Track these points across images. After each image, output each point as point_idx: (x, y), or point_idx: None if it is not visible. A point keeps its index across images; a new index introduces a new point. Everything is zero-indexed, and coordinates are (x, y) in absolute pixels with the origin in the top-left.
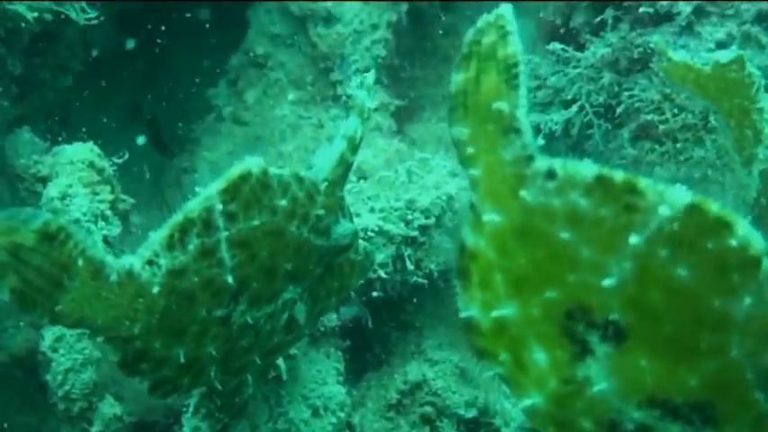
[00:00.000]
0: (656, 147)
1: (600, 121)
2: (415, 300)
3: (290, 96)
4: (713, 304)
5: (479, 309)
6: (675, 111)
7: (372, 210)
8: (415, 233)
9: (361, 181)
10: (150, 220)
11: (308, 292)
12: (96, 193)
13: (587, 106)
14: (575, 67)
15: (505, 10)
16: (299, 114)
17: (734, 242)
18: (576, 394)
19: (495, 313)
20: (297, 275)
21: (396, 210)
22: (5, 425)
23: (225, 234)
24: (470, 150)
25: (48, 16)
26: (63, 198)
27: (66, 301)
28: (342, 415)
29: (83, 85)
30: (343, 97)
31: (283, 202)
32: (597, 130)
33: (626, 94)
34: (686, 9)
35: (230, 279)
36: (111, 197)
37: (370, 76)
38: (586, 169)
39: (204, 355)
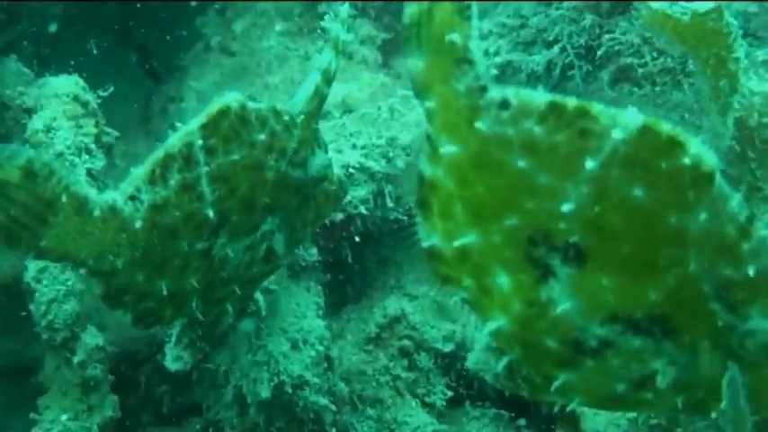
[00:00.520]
0: (635, 89)
1: (581, 62)
2: (394, 236)
3: (278, 27)
4: (670, 221)
5: (441, 237)
6: (655, 54)
7: (354, 146)
8: (396, 171)
9: (345, 116)
10: (136, 148)
11: (286, 222)
12: (80, 126)
13: (569, 47)
14: (557, 9)
15: None
16: (285, 46)
17: (687, 160)
18: (540, 315)
19: (456, 242)
20: (275, 207)
21: (377, 147)
22: None
23: (205, 169)
24: (425, 82)
25: None
26: (47, 131)
27: (51, 236)
28: (321, 348)
29: (72, 9)
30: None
31: (262, 137)
32: (578, 72)
33: (607, 36)
34: None
35: (211, 213)
36: (95, 130)
37: (345, 9)
38: (539, 97)
39: (186, 287)
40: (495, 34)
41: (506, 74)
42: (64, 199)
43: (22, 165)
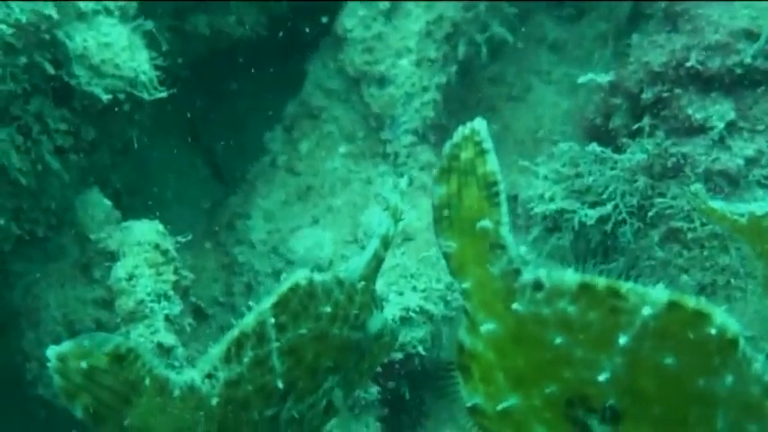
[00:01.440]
0: (684, 252)
1: (632, 220)
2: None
3: (342, 149)
4: (698, 384)
5: (483, 399)
6: (704, 221)
7: (415, 289)
8: (454, 313)
9: (404, 252)
10: (204, 262)
11: (344, 378)
12: (160, 274)
13: (621, 206)
14: (612, 168)
15: (480, 125)
16: (349, 168)
17: (712, 330)
18: None
19: (499, 406)
20: (337, 368)
21: (436, 290)
22: None
23: (276, 345)
24: (459, 263)
25: (121, 96)
26: (130, 279)
27: (134, 415)
28: None
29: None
30: (391, 156)
31: (327, 309)
32: (629, 228)
33: (658, 199)
34: (719, 124)
35: (280, 383)
36: (173, 277)
37: (404, 182)
38: (570, 278)
39: None
40: (551, 180)
41: (559, 222)
42: (147, 381)
43: (110, 351)
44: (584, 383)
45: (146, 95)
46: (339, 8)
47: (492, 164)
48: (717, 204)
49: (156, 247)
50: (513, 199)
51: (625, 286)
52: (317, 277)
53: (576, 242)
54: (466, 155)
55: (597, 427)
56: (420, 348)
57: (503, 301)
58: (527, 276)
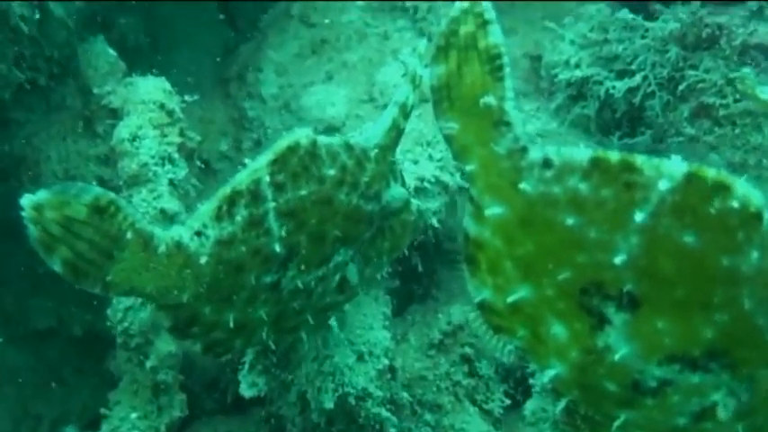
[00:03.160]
0: (715, 128)
1: (661, 92)
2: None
3: (360, 2)
4: (722, 263)
5: (492, 292)
6: (737, 96)
7: (431, 158)
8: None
9: (420, 118)
10: (213, 114)
11: (360, 253)
12: (165, 135)
13: (651, 77)
14: (642, 37)
15: None
16: (365, 21)
17: (735, 203)
18: (598, 362)
19: (509, 298)
20: (347, 240)
21: (452, 160)
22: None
23: (272, 205)
24: (462, 145)
25: None
26: (133, 140)
27: (116, 271)
28: (385, 361)
29: None
30: (410, 10)
31: (332, 171)
32: (658, 101)
33: (690, 72)
34: None
35: (278, 247)
36: (178, 139)
37: (423, 45)
38: (581, 154)
39: (255, 318)
40: (577, 44)
41: (584, 90)
42: (129, 235)
43: (89, 202)
44: (598, 268)
45: None
46: None
47: (495, 35)
48: (765, 93)
49: (162, 106)
50: (536, 59)
51: (640, 159)
52: (323, 139)
53: (600, 112)
54: (466, 29)
55: (614, 315)
56: (434, 220)
57: (509, 182)
58: (535, 154)
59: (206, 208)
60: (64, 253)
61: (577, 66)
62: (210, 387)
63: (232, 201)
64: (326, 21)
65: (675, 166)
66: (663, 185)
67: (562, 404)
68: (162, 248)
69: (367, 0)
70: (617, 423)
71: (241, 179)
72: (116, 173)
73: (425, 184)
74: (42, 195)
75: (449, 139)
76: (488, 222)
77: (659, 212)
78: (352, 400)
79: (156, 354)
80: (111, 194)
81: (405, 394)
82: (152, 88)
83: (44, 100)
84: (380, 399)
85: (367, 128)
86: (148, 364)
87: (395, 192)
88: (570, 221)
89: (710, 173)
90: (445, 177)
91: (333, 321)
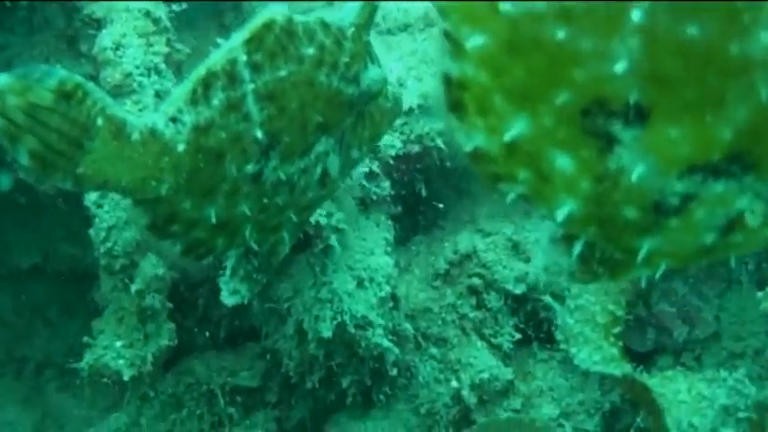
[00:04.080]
0: None
1: None
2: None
3: None
4: (730, 51)
5: (484, 135)
6: None
7: (435, 74)
8: None
9: (426, 41)
10: (207, 45)
11: (341, 142)
12: (151, 45)
13: None
14: None
15: None
16: None
17: None
18: (613, 188)
19: (506, 135)
20: (328, 127)
21: None
22: (49, 252)
23: (251, 86)
24: None
25: None
26: (116, 48)
27: (88, 162)
28: (387, 288)
29: None
30: None
31: (310, 50)
32: None
33: None
34: None
35: (259, 133)
36: (165, 49)
37: None
38: None
39: (237, 214)
40: None
41: None
42: (100, 122)
43: (54, 86)
44: (599, 82)
45: None
46: None
47: None
48: None
49: (147, 14)
50: None
51: None
52: (299, 17)
53: None
54: None
55: (623, 132)
56: (439, 141)
57: (488, 6)
58: None
59: (180, 91)
60: (30, 143)
61: None
62: (203, 321)
63: (207, 83)
64: None
65: None
66: None
67: (578, 248)
68: (135, 136)
69: None
70: (641, 254)
71: (216, 60)
72: (99, 84)
73: (430, 102)
74: (3, 79)
75: None
76: (470, 57)
77: (657, 7)
78: (351, 329)
79: (142, 276)
80: (78, 78)
81: (408, 326)
82: None
83: (26, 21)
84: (382, 328)
85: (339, 7)
86: (134, 287)
87: (373, 73)
88: (561, 35)
89: None
90: None
91: (334, 241)
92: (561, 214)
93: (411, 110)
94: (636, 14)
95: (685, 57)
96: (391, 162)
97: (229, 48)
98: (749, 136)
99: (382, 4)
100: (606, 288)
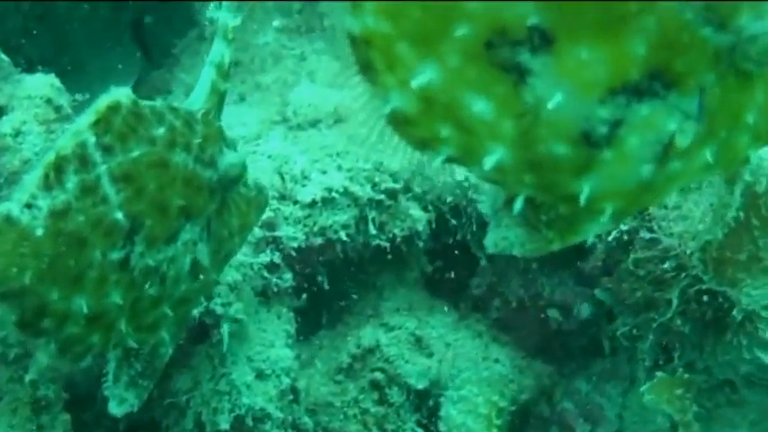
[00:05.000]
0: None
1: None
2: (376, 262)
3: (276, 23)
4: None
5: (398, 92)
6: None
7: (340, 168)
8: (382, 196)
9: (334, 129)
10: None
11: (208, 231)
12: (51, 132)
13: None
14: None
15: None
16: (282, 43)
17: None
18: (535, 122)
19: (414, 83)
20: (191, 212)
21: (363, 171)
22: None
23: (104, 168)
24: None
25: None
26: (16, 135)
27: None
28: (287, 380)
29: None
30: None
31: (161, 131)
32: None
33: None
34: None
35: (119, 215)
36: None
37: None
38: None
39: (109, 304)
40: None
41: None
42: None
43: None
44: (493, 10)
45: None
46: None
47: None
48: None
49: (49, 101)
50: None
51: None
52: (146, 101)
53: None
54: None
55: (531, 61)
56: (342, 234)
57: None
58: None
59: (31, 177)
60: None
61: None
62: (101, 414)
63: (59, 167)
64: (241, 43)
65: None
66: None
67: (519, 204)
68: None
69: (284, 21)
70: (583, 195)
71: (64, 143)
72: None
73: (334, 195)
74: None
75: None
76: (366, 7)
77: None
78: (249, 422)
79: (35, 366)
80: None
81: (308, 419)
82: (39, 83)
83: None
84: (281, 421)
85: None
86: (27, 377)
87: (230, 157)
88: None
89: None
90: (355, 188)
91: (225, 332)
92: (490, 162)
93: (314, 202)
94: None
95: None
96: (293, 254)
97: (75, 131)
98: (663, 49)
99: (293, 99)
100: (490, 379)
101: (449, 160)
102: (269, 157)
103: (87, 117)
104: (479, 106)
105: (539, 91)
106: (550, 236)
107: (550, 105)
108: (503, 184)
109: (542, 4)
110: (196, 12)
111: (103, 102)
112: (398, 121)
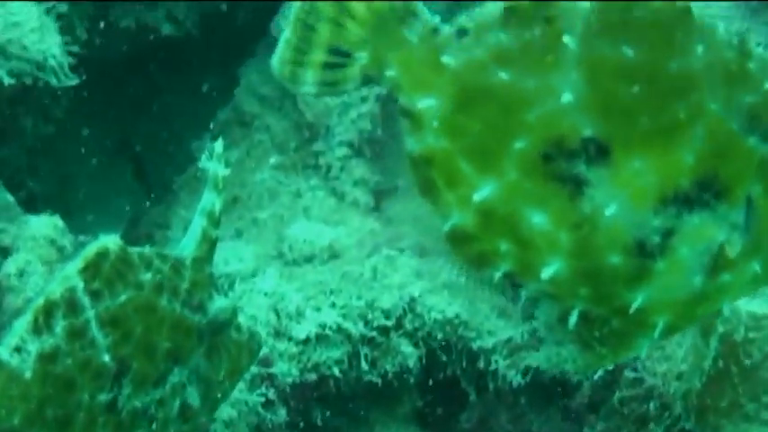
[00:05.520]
0: None
1: None
2: (368, 397)
3: (272, 160)
4: (672, 68)
5: (458, 208)
6: None
7: (333, 305)
8: (374, 333)
9: (328, 265)
10: None
11: (197, 374)
12: (53, 272)
13: None
14: None
15: None
16: (278, 180)
17: (659, 2)
18: (592, 232)
19: (477, 197)
20: (179, 355)
21: (356, 308)
22: None
23: (92, 313)
24: (375, 59)
25: (28, 80)
26: (20, 275)
27: None
28: None
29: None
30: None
31: (148, 276)
32: None
33: None
34: None
35: (107, 358)
36: None
37: (219, 145)
38: (491, 8)
39: None
40: None
41: None
42: None
43: None
44: (550, 119)
45: (54, 81)
46: (276, 9)
47: None
48: None
49: (52, 242)
50: None
51: None
52: (134, 248)
53: None
54: None
55: (588, 172)
56: (336, 370)
57: (432, 66)
58: (447, 29)
59: (21, 322)
60: None
61: None
62: None
63: (48, 312)
64: (238, 180)
65: None
66: (583, 4)
67: (574, 318)
68: None
69: (280, 158)
70: (635, 304)
71: (54, 288)
72: (2, 309)
73: (327, 332)
74: None
75: (364, 69)
76: (427, 124)
77: (588, 35)
78: None
79: None
80: None
81: None
82: (43, 224)
83: None
84: None
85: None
86: None
87: (220, 303)
88: (504, 77)
89: None
90: (348, 325)
91: None
92: (548, 273)
93: (308, 339)
94: (570, 42)
95: (628, 80)
96: (288, 390)
97: (65, 276)
98: (712, 157)
99: (288, 235)
100: None
101: (506, 276)
102: (265, 294)
103: (76, 263)
104: (537, 218)
105: (595, 201)
106: (603, 352)
107: (607, 214)
108: (558, 297)
109: (596, 113)
110: (194, 149)
111: (92, 249)
112: (458, 239)
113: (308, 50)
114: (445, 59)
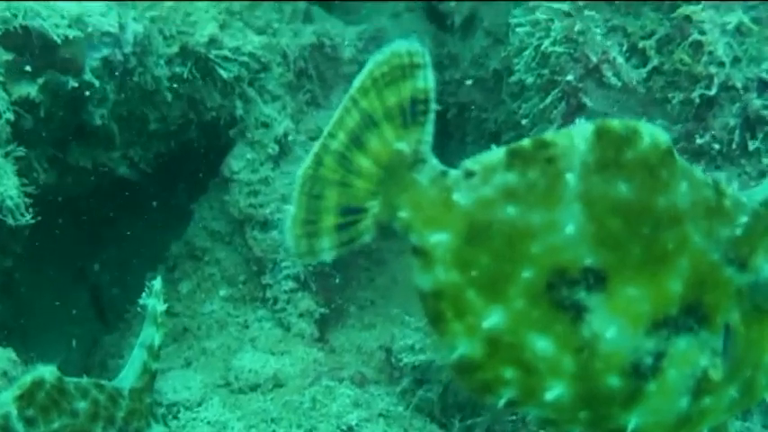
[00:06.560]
0: None
1: None
2: None
3: (222, 292)
4: (659, 204)
5: (465, 339)
6: None
7: None
8: None
9: (271, 394)
10: None
11: None
12: None
13: None
14: None
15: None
16: (227, 311)
17: (646, 139)
18: (592, 356)
19: (485, 325)
20: None
21: None
22: None
23: None
24: (387, 203)
25: None
26: None
27: None
28: None
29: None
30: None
31: (83, 404)
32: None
33: None
34: None
35: None
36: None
37: (158, 283)
38: (495, 153)
39: None
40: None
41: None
42: None
43: None
44: (554, 251)
45: (10, 221)
46: (228, 149)
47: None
48: None
49: (4, 374)
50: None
51: (548, 135)
52: (71, 378)
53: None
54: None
55: (588, 299)
56: None
57: (442, 205)
58: (455, 171)
59: None
60: None
61: (421, 350)
62: None
63: None
64: (189, 311)
65: (583, 128)
66: (580, 146)
67: None
68: None
69: (230, 290)
70: (630, 426)
71: None
72: None
73: None
74: None
75: (377, 217)
76: (437, 259)
77: (587, 173)
78: None
79: None
80: None
81: None
82: None
83: None
84: None
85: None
86: None
87: (158, 431)
88: (511, 211)
89: (615, 123)
90: None
91: None
92: (551, 396)
93: None
94: (570, 179)
95: (623, 214)
96: None
97: (0, 403)
98: (696, 286)
99: (235, 364)
100: None
101: (510, 403)
102: (208, 423)
103: (12, 392)
104: (541, 345)
105: (595, 326)
106: None
107: (607, 338)
108: (557, 424)
109: (595, 244)
110: (148, 279)
111: (28, 378)
112: (464, 368)
113: (318, 219)
114: (456, 197)
